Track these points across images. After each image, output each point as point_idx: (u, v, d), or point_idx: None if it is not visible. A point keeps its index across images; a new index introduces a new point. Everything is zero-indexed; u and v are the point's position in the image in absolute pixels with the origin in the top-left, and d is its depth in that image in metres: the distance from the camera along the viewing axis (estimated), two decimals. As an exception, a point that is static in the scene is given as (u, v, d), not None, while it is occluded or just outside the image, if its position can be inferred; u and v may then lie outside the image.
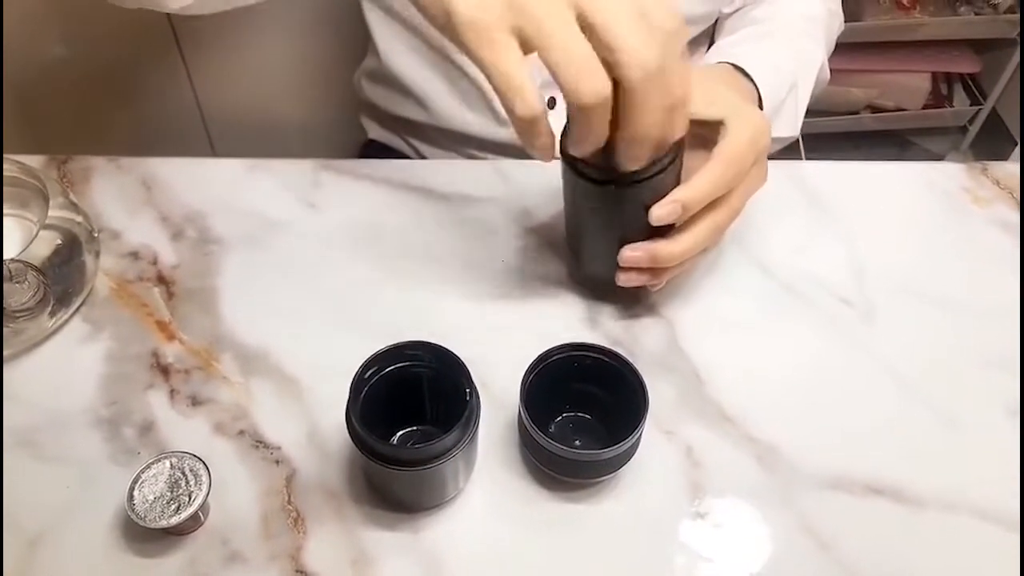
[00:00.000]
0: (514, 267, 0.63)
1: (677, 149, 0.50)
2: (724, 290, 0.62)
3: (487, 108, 0.76)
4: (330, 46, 1.12)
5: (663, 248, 0.53)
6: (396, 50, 0.77)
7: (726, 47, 0.69)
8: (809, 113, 0.72)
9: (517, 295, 0.61)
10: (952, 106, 1.79)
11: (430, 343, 0.48)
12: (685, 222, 0.53)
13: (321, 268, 0.63)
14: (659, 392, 0.56)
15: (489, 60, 0.43)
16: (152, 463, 0.48)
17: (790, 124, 0.69)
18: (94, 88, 1.19)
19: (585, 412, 0.54)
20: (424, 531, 0.50)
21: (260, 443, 0.53)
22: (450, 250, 0.64)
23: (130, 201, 0.66)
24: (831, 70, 0.77)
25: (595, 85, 0.42)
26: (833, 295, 0.62)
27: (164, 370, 0.57)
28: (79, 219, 0.59)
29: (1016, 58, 1.68)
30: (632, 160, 0.47)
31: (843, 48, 0.83)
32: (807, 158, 1.47)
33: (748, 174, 0.54)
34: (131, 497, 0.47)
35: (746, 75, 0.64)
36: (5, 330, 0.54)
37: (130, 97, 1.22)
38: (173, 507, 0.47)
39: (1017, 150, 1.68)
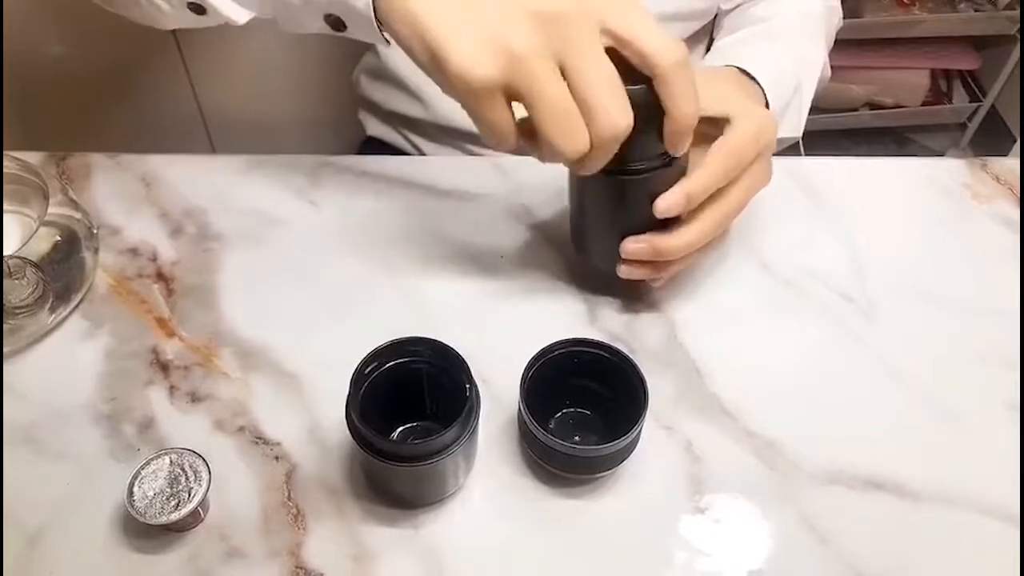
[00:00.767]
0: (514, 262, 0.63)
1: None
2: (724, 285, 0.62)
3: None
4: (329, 43, 1.12)
5: (665, 241, 0.53)
6: (396, 47, 0.77)
7: (727, 48, 0.69)
8: (808, 110, 0.72)
9: (517, 290, 0.61)
10: (951, 103, 1.79)
11: (430, 339, 0.48)
12: (688, 215, 0.53)
13: (320, 264, 0.63)
14: (659, 387, 0.56)
15: (477, 110, 0.46)
16: (152, 459, 0.48)
17: (794, 125, 0.69)
18: (93, 85, 1.19)
19: (585, 408, 0.54)
20: (424, 527, 0.50)
21: (260, 439, 0.53)
22: (450, 246, 0.64)
23: (129, 198, 0.66)
24: (831, 67, 0.77)
25: (576, 144, 0.46)
26: (833, 291, 0.62)
27: (164, 366, 0.57)
28: (78, 216, 0.59)
29: (1016, 55, 1.68)
30: (679, 147, 0.49)
31: (842, 45, 0.83)
32: (806, 155, 1.46)
33: (751, 169, 0.54)
34: (131, 493, 0.47)
35: (751, 78, 0.64)
36: (4, 326, 0.54)
37: (129, 94, 1.22)
38: (173, 503, 0.47)
39: (1017, 146, 1.68)
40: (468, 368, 0.47)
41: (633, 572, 0.49)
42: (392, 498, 0.51)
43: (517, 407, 0.51)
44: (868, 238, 0.65)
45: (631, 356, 0.51)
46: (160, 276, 0.61)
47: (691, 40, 0.82)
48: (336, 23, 0.52)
